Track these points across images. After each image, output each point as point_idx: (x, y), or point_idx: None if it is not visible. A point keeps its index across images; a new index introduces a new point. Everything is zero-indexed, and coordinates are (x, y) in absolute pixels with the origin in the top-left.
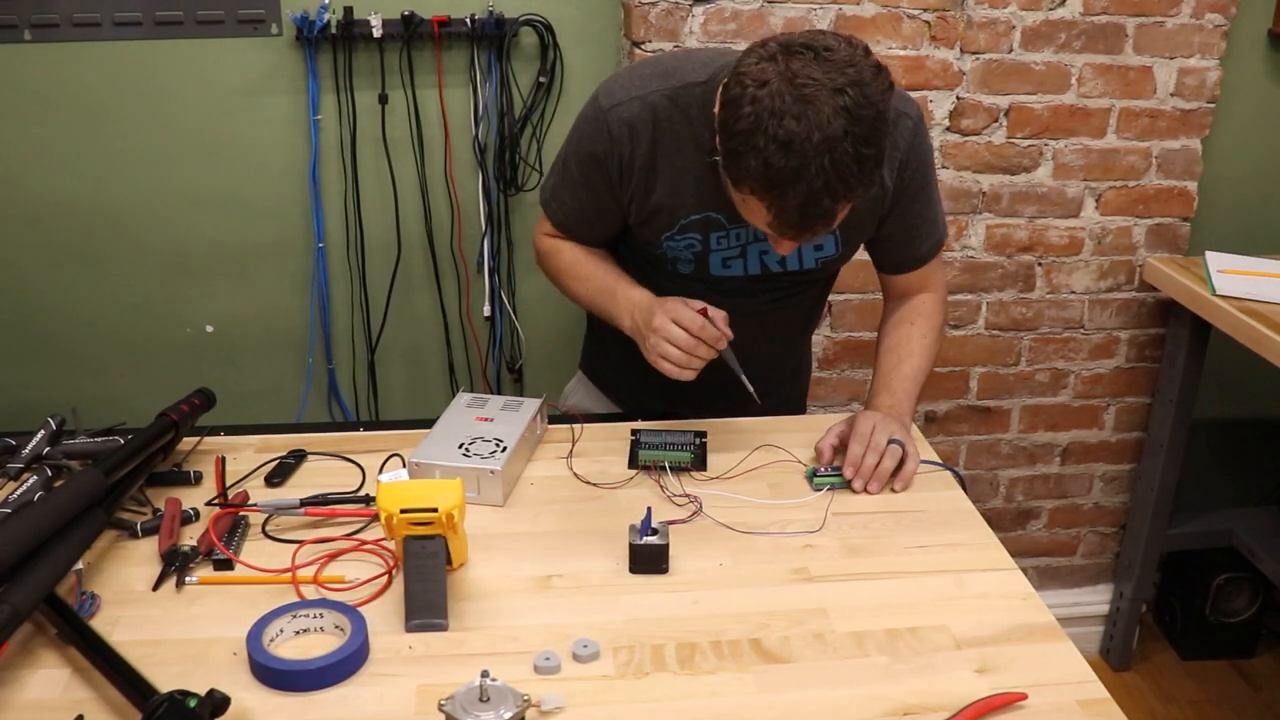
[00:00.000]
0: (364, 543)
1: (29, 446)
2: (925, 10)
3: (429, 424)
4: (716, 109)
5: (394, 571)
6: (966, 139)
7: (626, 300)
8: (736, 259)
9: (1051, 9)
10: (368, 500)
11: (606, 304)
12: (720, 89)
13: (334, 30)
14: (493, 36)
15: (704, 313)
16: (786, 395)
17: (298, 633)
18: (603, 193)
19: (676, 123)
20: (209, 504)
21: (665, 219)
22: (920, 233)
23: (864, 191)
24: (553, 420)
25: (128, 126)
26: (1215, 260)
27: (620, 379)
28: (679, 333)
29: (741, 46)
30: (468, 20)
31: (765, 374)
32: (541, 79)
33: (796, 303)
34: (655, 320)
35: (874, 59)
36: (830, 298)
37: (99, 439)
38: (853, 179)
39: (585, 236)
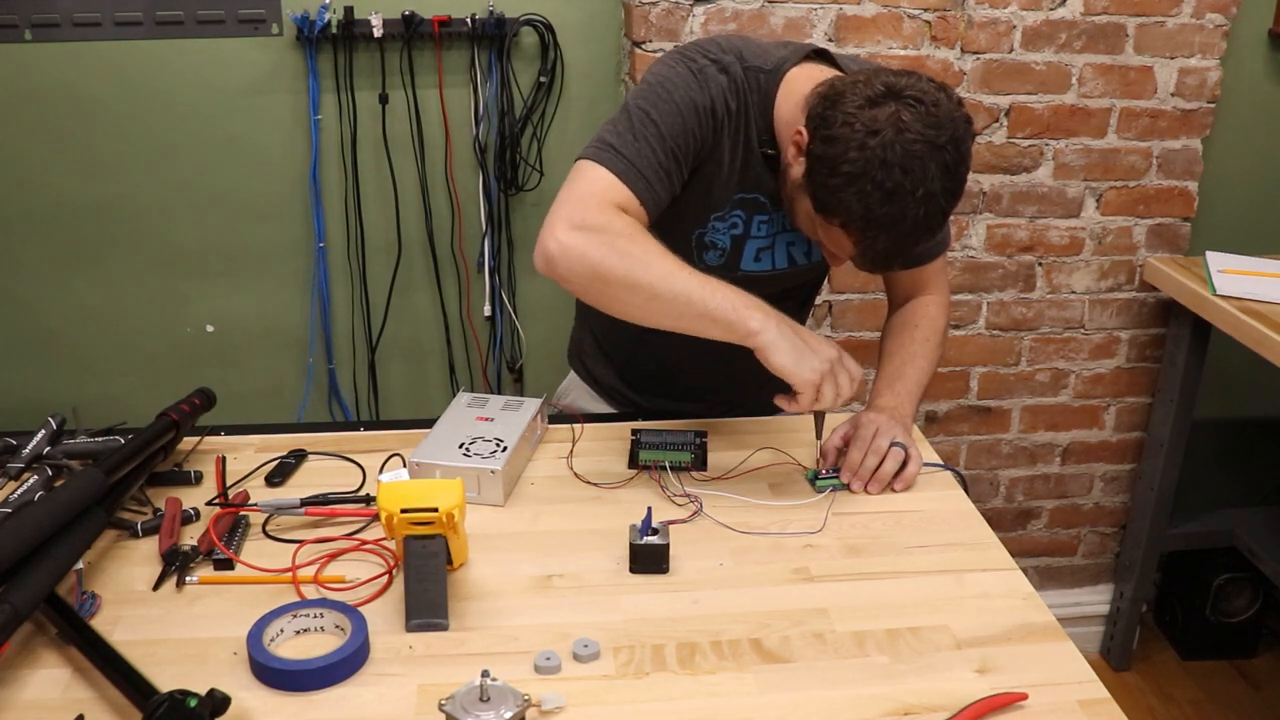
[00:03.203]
0: (364, 542)
1: (29, 446)
2: (925, 10)
3: (429, 424)
4: (804, 130)
5: (394, 571)
6: None
7: (754, 302)
8: (767, 251)
9: (1052, 9)
10: (368, 500)
11: (708, 298)
12: (817, 118)
13: (334, 30)
14: (493, 36)
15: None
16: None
17: (298, 632)
18: (684, 148)
19: (748, 100)
20: (209, 504)
21: (718, 197)
22: None
23: (939, 235)
24: (553, 420)
25: (128, 126)
26: (1216, 260)
27: (612, 374)
28: (858, 372)
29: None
30: (468, 20)
31: (757, 370)
32: (542, 79)
33: (797, 292)
34: (833, 351)
35: (964, 112)
36: (830, 298)
37: (99, 439)
38: (936, 227)
39: (649, 194)
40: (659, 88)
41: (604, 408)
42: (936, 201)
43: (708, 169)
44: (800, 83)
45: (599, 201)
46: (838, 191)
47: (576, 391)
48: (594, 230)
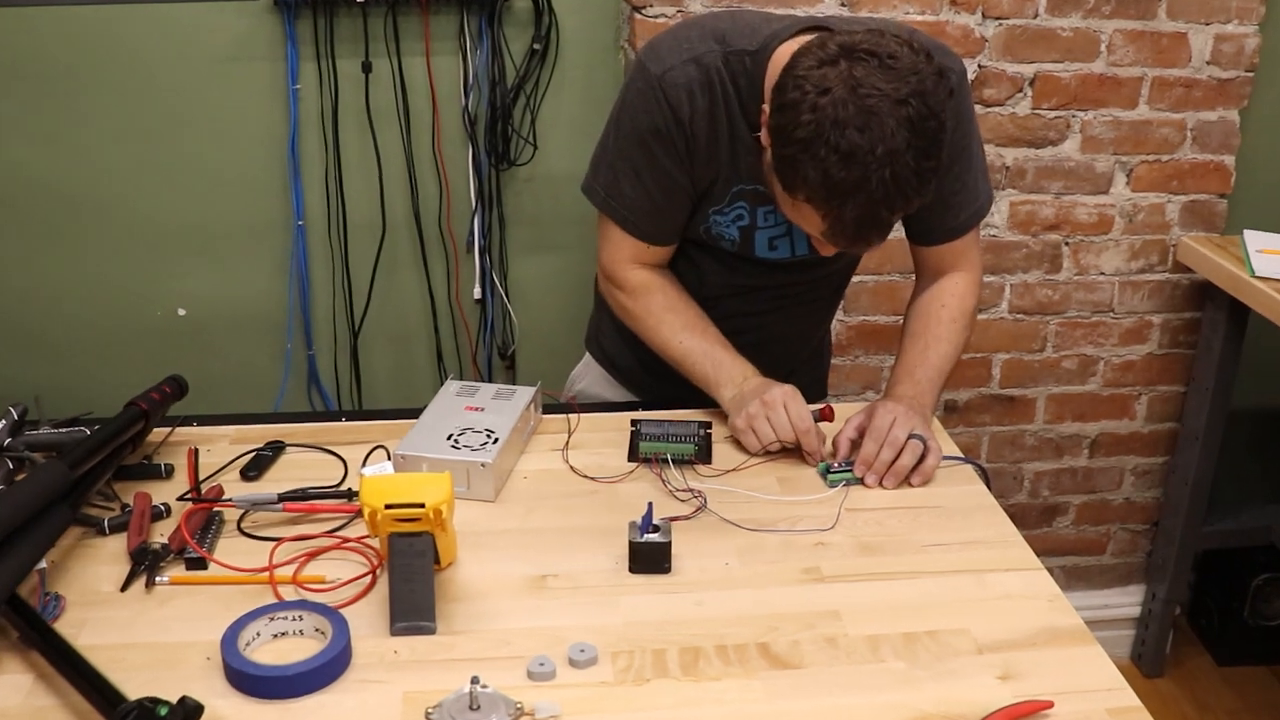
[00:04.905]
0: (346, 540)
1: None
2: None
3: (415, 414)
4: (767, 106)
5: (378, 571)
6: (989, 110)
7: (736, 369)
8: (783, 239)
9: None
10: (350, 495)
11: (705, 366)
12: (774, 89)
13: None
14: (484, 1)
15: (824, 413)
16: (805, 381)
17: (275, 636)
18: (670, 172)
19: (729, 88)
20: (181, 499)
21: (718, 191)
22: (959, 200)
23: (920, 203)
24: (548, 410)
25: (94, 96)
26: (1254, 240)
27: (634, 359)
28: (784, 419)
29: (766, 9)
30: None
31: (790, 353)
32: (535, 46)
33: (827, 280)
34: (770, 394)
35: (936, 64)
36: None
37: (64, 430)
38: (911, 191)
39: (655, 233)
40: (625, 116)
41: (623, 394)
42: (903, 160)
43: (699, 170)
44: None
45: (613, 260)
46: (794, 161)
47: (592, 377)
48: (615, 288)
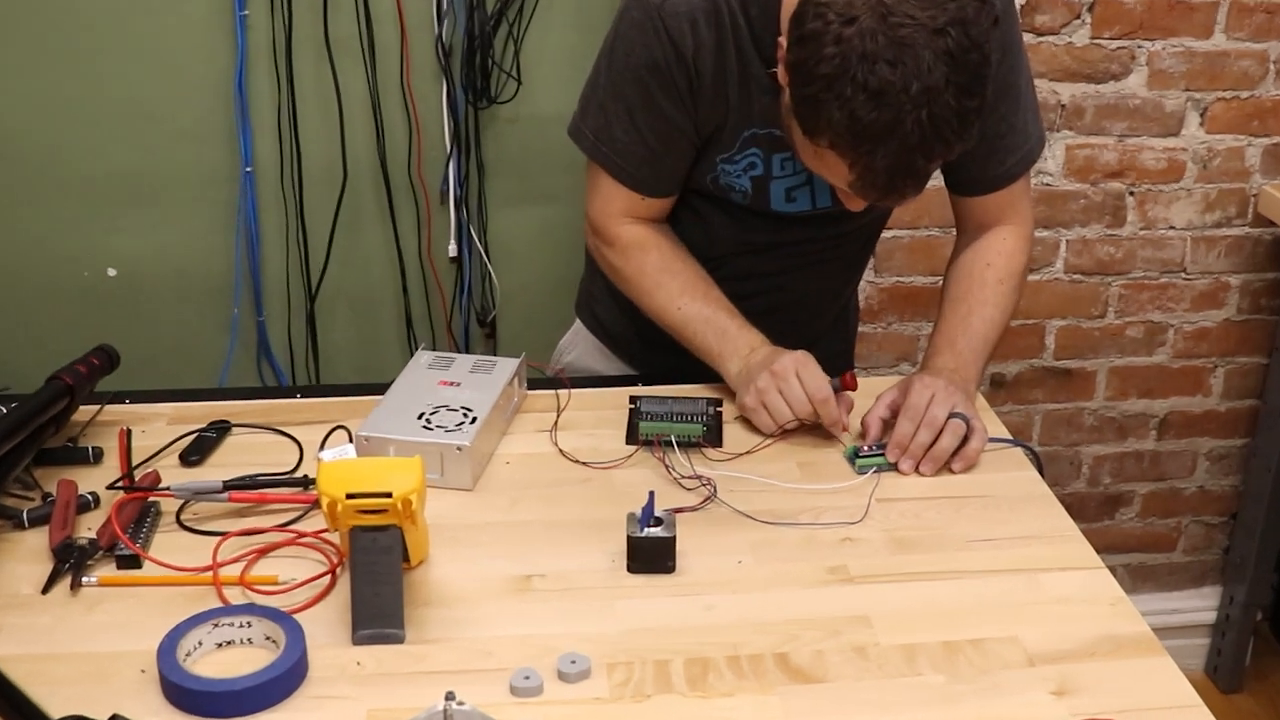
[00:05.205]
0: (301, 535)
1: None
2: None
3: (381, 389)
4: (784, 39)
5: (338, 571)
6: (1041, 39)
7: (743, 339)
8: (802, 189)
9: None
10: (306, 483)
11: (707, 336)
12: (792, 18)
13: None
14: None
15: (846, 381)
16: (829, 350)
17: (220, 645)
18: (669, 114)
19: (739, 18)
20: (111, 487)
21: (726, 137)
22: (1005, 144)
23: (962, 148)
24: (533, 385)
25: (7, 26)
26: None
27: (631, 326)
28: (797, 390)
29: None
30: None
31: (810, 320)
32: None
33: (853, 236)
34: (779, 364)
35: None
36: None
37: None
38: (951, 135)
39: (650, 182)
40: (619, 49)
41: (619, 367)
42: (941, 98)
43: (703, 112)
44: None
45: (603, 213)
46: (816, 102)
47: (583, 347)
48: (604, 245)
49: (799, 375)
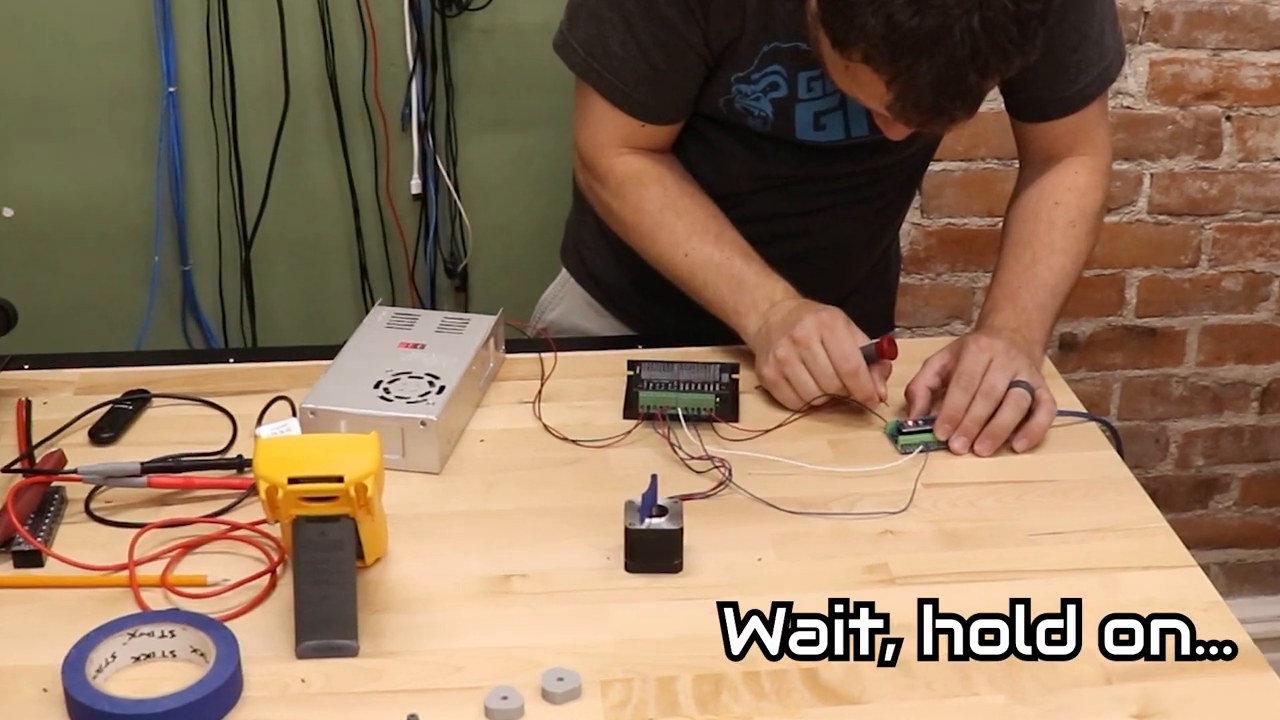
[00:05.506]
0: (235, 527)
1: None
2: None
3: (331, 352)
4: None
5: (279, 570)
6: None
7: (762, 290)
8: (833, 114)
9: None
10: (241, 465)
11: (720, 286)
12: None
13: None
14: None
15: (882, 348)
16: (865, 307)
17: (137, 659)
18: (675, 23)
19: None
20: (7, 470)
21: (743, 51)
22: (1076, 58)
23: (1023, 62)
24: (511, 347)
25: None
26: None
27: (627, 276)
28: (823, 360)
29: None
30: None
31: (842, 271)
32: None
33: (895, 170)
34: (801, 328)
35: None
36: None
37: None
38: (1010, 44)
39: (652, 106)
40: None
41: (614, 325)
42: (998, 1)
43: (715, 22)
44: None
45: (595, 143)
46: (847, 10)
47: (570, 301)
48: (596, 180)
49: (825, 342)
